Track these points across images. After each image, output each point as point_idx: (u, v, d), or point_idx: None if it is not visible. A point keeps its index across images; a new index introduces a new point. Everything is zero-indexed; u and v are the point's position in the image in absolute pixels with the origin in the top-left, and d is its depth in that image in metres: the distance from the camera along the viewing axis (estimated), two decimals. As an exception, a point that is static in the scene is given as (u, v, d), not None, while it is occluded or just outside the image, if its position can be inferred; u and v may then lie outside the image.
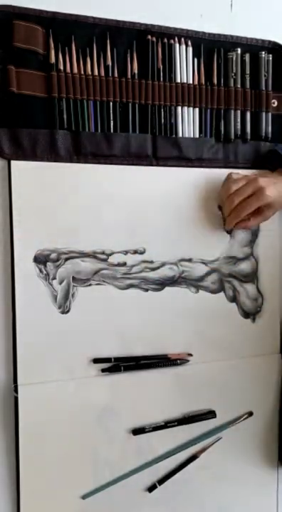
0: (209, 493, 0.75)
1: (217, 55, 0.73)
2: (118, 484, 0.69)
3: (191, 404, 0.73)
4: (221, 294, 0.75)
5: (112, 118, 0.68)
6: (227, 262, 0.75)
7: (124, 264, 0.69)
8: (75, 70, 0.66)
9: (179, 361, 0.71)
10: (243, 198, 0.67)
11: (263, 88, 0.75)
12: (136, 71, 0.69)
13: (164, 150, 0.71)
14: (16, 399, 0.64)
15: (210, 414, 0.73)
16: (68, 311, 0.67)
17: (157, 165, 0.71)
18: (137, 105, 0.69)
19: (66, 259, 0.66)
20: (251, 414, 0.76)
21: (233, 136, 0.74)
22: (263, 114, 0.76)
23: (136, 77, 0.69)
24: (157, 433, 0.70)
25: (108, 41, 0.67)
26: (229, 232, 0.74)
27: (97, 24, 0.66)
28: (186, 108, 0.72)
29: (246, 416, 0.76)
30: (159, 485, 0.71)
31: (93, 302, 0.68)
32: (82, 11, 0.65)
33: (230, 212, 0.69)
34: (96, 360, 0.68)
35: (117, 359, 0.69)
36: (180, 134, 0.72)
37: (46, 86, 0.65)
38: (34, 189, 0.64)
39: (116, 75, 0.68)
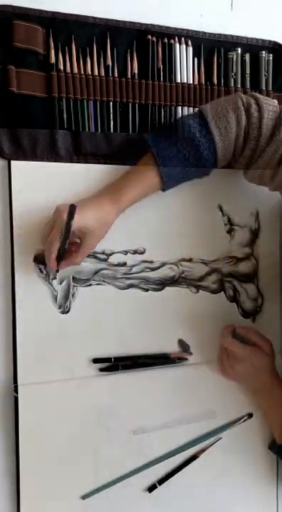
0: (208, 493, 0.75)
1: (217, 55, 0.73)
2: (118, 484, 0.69)
3: (191, 404, 0.73)
4: (221, 294, 0.75)
5: (112, 118, 0.68)
6: (227, 262, 0.75)
7: (124, 264, 0.69)
8: (75, 70, 0.66)
9: (179, 360, 0.71)
10: (48, 233, 0.59)
11: (263, 88, 0.75)
12: (136, 71, 0.69)
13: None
14: (16, 399, 0.64)
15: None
16: (68, 311, 0.67)
17: (157, 165, 0.71)
18: (137, 105, 0.69)
19: (66, 259, 0.66)
20: (250, 415, 0.76)
21: (233, 136, 0.74)
22: (263, 114, 0.76)
23: (136, 77, 0.69)
24: (157, 433, 0.70)
25: (108, 41, 0.67)
26: (54, 277, 0.65)
27: (97, 24, 0.66)
28: (186, 108, 0.72)
29: (245, 418, 0.76)
30: (159, 485, 0.71)
31: (93, 302, 0.68)
32: (82, 11, 0.65)
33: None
34: (96, 360, 0.68)
35: (117, 359, 0.69)
36: (180, 134, 0.72)
37: (46, 86, 0.65)
38: (34, 189, 0.64)
39: (116, 74, 0.68)
